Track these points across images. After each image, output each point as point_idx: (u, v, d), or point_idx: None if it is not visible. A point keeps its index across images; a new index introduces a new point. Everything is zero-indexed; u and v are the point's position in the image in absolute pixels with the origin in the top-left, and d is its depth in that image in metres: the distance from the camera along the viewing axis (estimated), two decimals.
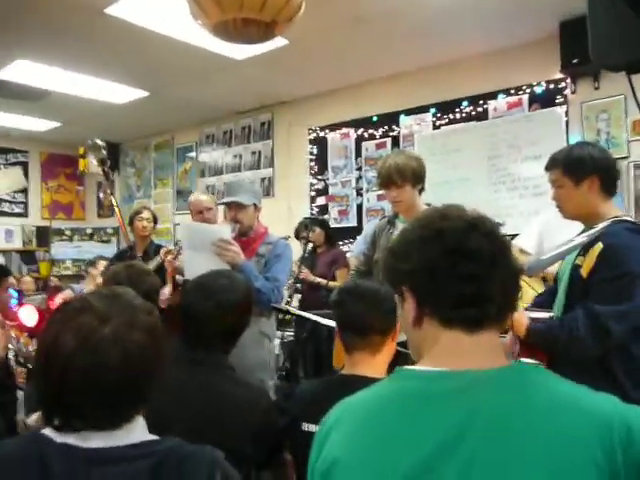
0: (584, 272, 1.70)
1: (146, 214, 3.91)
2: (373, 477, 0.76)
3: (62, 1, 3.58)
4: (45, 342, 0.95)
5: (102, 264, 4.44)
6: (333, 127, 5.57)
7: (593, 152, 1.80)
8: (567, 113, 4.26)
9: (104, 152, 2.96)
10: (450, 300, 0.82)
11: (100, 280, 4.30)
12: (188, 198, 3.83)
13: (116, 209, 3.13)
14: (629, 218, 1.81)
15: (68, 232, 7.45)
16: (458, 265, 0.80)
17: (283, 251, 2.71)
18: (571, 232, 1.99)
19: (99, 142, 2.92)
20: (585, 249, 1.73)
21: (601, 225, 1.72)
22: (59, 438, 0.92)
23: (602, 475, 0.68)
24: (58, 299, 3.22)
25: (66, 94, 5.42)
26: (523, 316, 1.77)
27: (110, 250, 7.01)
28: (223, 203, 2.75)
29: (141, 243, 3.94)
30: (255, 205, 2.70)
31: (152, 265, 3.15)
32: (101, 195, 8.05)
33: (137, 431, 0.96)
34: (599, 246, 1.67)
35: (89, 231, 7.52)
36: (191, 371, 1.50)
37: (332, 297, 1.61)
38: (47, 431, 0.95)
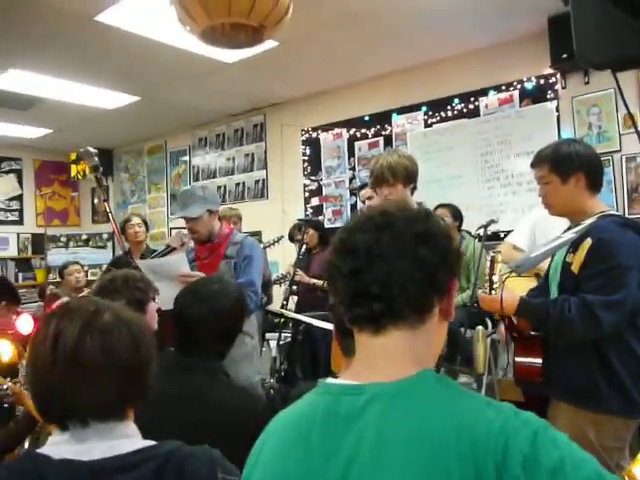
0: (575, 268, 1.72)
1: (136, 220, 3.95)
2: None
3: (53, 9, 3.58)
4: (47, 336, 0.93)
5: (74, 269, 4.43)
6: (325, 128, 5.57)
7: (579, 149, 1.82)
8: (558, 108, 4.28)
9: (96, 159, 2.95)
10: (345, 300, 0.81)
11: (78, 283, 4.33)
12: None
13: (110, 216, 3.13)
14: (615, 212, 1.84)
15: (63, 239, 7.43)
16: (342, 262, 0.80)
17: (251, 252, 2.72)
18: (563, 226, 2.01)
19: (91, 149, 2.92)
20: (574, 245, 1.75)
21: (588, 221, 1.74)
22: (57, 455, 0.92)
23: None
24: (56, 307, 3.20)
25: (57, 101, 5.41)
26: (513, 295, 1.77)
27: (106, 256, 7.00)
28: (178, 218, 2.79)
29: (136, 248, 3.95)
30: (210, 211, 2.69)
31: None
32: (96, 201, 8.04)
33: (135, 438, 0.97)
34: (588, 242, 1.69)
35: (84, 237, 7.49)
36: (186, 378, 1.49)
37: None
38: (43, 450, 0.94)
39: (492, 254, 1.82)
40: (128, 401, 0.98)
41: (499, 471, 0.62)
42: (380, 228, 0.80)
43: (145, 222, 4.03)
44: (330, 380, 0.84)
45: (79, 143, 6.66)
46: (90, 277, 6.66)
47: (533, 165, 1.90)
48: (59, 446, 0.93)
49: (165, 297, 2.42)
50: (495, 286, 1.77)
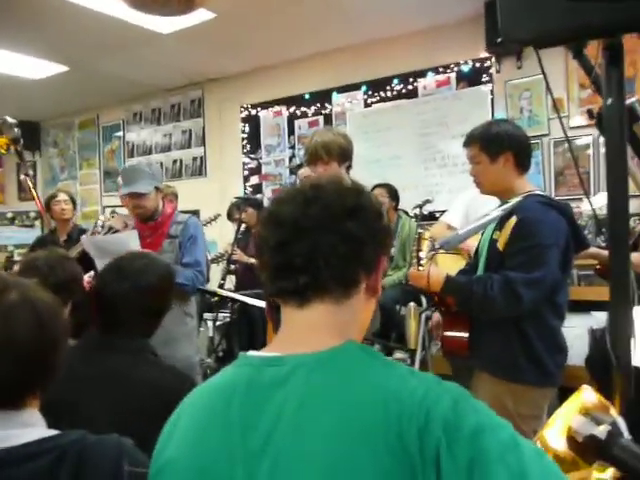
0: (500, 245, 1.77)
1: (62, 196, 3.77)
2: (194, 474, 0.74)
3: None
4: None
5: None
6: (265, 105, 5.48)
7: (508, 129, 1.86)
8: (492, 91, 4.38)
9: (16, 130, 2.75)
10: (271, 272, 0.80)
11: None
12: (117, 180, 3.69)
13: (33, 192, 2.94)
14: (540, 192, 1.90)
15: None
16: (269, 234, 0.80)
17: (195, 231, 2.68)
18: (495, 206, 2.06)
19: (9, 119, 2.71)
20: (501, 223, 1.79)
21: (515, 200, 1.79)
22: None
23: (395, 460, 0.63)
24: None
25: None
26: (439, 272, 1.81)
27: (33, 235, 6.63)
28: (123, 195, 2.66)
29: (63, 227, 3.77)
30: (157, 188, 2.63)
31: (75, 252, 3.01)
32: (22, 177, 7.60)
33: (35, 427, 0.91)
34: (513, 219, 1.74)
35: (10, 215, 7.08)
36: (107, 358, 1.43)
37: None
38: None
39: (419, 231, 1.85)
40: (28, 388, 0.91)
41: (421, 434, 0.63)
42: (308, 201, 0.79)
43: (73, 199, 3.85)
44: (251, 353, 0.82)
45: (2, 114, 6.27)
46: (16, 257, 6.33)
47: (465, 145, 1.93)
48: None
49: None
50: (422, 262, 1.80)
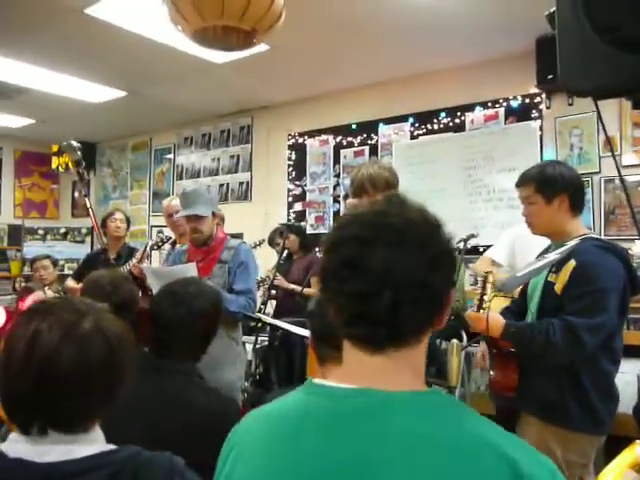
0: (558, 288, 1.76)
1: (119, 215, 3.91)
2: None
3: (43, 0, 3.54)
4: (24, 337, 0.92)
5: (40, 264, 4.36)
6: (312, 133, 5.59)
7: (564, 171, 1.87)
8: (541, 127, 4.35)
9: (79, 153, 2.91)
10: (346, 317, 0.77)
11: (43, 280, 4.25)
12: (165, 201, 3.82)
13: (90, 211, 3.09)
14: (595, 235, 1.90)
15: (41, 231, 7.31)
16: (348, 278, 0.74)
17: (247, 258, 2.73)
18: (542, 245, 2.04)
19: (74, 143, 2.88)
20: (557, 266, 1.78)
21: (571, 243, 1.78)
22: (13, 453, 0.90)
23: None
24: (28, 301, 3.15)
25: (43, 92, 5.34)
26: (498, 317, 1.80)
27: (84, 250, 6.90)
28: (183, 216, 2.74)
29: (114, 245, 3.91)
30: (213, 213, 2.70)
31: (125, 270, 3.12)
32: (76, 194, 7.93)
33: (95, 442, 0.95)
34: (572, 263, 1.73)
35: (62, 230, 7.38)
36: (160, 380, 1.48)
37: (309, 307, 1.60)
38: (1, 445, 0.92)
39: (484, 274, 1.83)
40: (93, 414, 0.96)
41: None
42: (390, 244, 0.74)
43: (127, 219, 3.99)
44: (320, 381, 0.81)
45: (62, 135, 6.57)
46: (67, 271, 6.57)
47: (518, 185, 1.93)
48: (16, 444, 0.91)
49: None
50: (485, 305, 1.78)
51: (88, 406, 0.94)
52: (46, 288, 3.88)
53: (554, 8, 1.21)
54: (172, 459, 0.99)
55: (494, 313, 1.80)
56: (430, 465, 0.68)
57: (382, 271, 0.73)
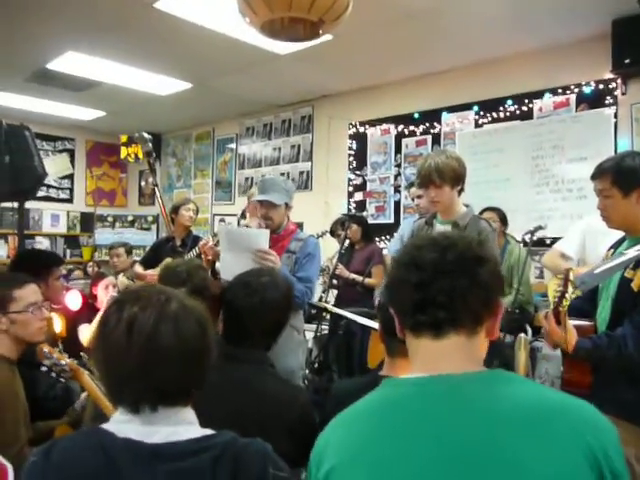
0: (636, 285, 1.68)
1: (192, 205, 4.11)
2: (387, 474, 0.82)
3: None
4: (119, 322, 0.97)
5: (114, 252, 4.54)
6: (373, 123, 5.55)
7: None
8: (616, 114, 4.14)
9: (150, 145, 3.02)
10: (410, 307, 0.91)
11: (116, 267, 4.44)
12: (249, 190, 3.96)
13: (160, 200, 3.20)
14: None
15: (110, 219, 7.64)
16: (410, 275, 0.91)
17: (314, 250, 2.76)
18: (614, 238, 1.96)
19: (145, 135, 2.98)
20: (635, 262, 1.70)
21: None
22: (121, 433, 0.95)
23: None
24: (102, 285, 3.30)
25: (113, 85, 5.56)
26: (573, 335, 1.74)
27: (150, 237, 7.18)
28: (256, 200, 2.79)
29: (180, 232, 4.05)
30: (286, 204, 2.73)
31: (192, 257, 3.23)
32: (143, 183, 8.23)
33: (195, 425, 1.00)
34: None
35: (130, 218, 7.69)
36: (232, 368, 1.53)
37: (378, 298, 1.61)
38: (107, 426, 0.98)
39: (565, 271, 1.75)
40: (192, 387, 1.01)
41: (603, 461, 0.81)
42: (444, 248, 0.91)
43: (197, 210, 4.20)
44: (395, 377, 0.96)
45: (130, 126, 6.85)
46: (134, 257, 6.83)
47: (594, 177, 1.86)
48: (124, 425, 0.96)
49: (229, 268, 2.44)
50: (564, 304, 1.70)
51: (188, 379, 0.99)
52: (120, 275, 4.06)
53: None
54: (265, 446, 1.03)
55: (571, 329, 1.73)
56: (544, 426, 0.80)
57: (438, 263, 0.90)
